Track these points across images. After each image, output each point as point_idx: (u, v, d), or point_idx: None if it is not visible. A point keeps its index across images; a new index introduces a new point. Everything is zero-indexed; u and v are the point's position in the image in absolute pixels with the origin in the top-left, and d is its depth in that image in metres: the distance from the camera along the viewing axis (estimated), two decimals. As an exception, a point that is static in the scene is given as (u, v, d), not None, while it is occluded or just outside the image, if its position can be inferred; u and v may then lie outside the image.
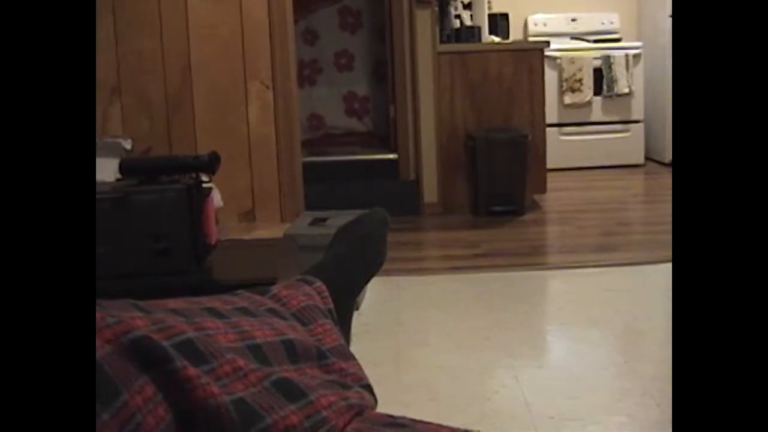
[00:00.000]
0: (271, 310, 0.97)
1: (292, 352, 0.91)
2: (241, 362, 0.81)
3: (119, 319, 0.74)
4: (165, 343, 0.75)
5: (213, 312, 0.88)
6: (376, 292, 2.99)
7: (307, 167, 3.86)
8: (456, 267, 3.42)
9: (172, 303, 0.86)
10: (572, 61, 5.66)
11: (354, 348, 1.19)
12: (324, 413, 0.84)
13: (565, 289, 3.06)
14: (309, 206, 3.61)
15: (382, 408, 1.04)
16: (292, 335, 0.93)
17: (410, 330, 2.62)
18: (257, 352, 0.86)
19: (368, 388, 0.99)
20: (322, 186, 4.22)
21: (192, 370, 0.75)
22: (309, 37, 5.35)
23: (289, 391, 0.83)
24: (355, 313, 2.57)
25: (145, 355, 0.73)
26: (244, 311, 0.93)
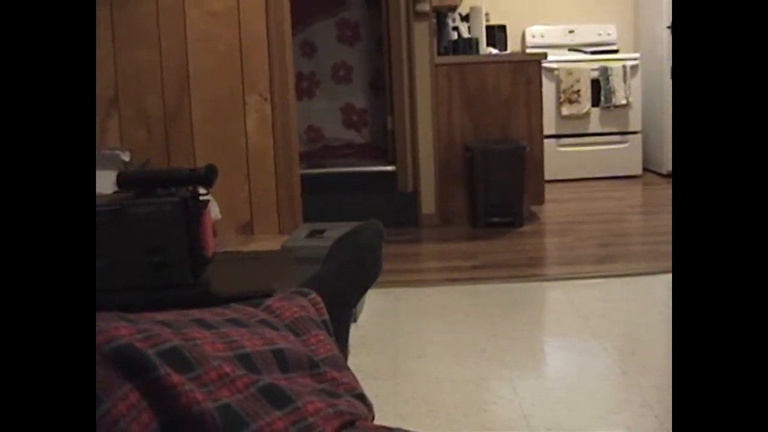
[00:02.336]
0: (263, 321, 0.97)
1: (282, 360, 0.90)
2: (227, 369, 0.81)
3: (101, 329, 0.74)
4: (149, 351, 0.75)
5: (202, 323, 0.88)
6: (374, 303, 2.98)
7: (305, 179, 3.86)
8: (454, 278, 3.42)
9: (161, 315, 0.87)
10: (570, 72, 5.68)
11: (352, 360, 1.19)
12: (311, 419, 0.84)
13: (563, 300, 3.06)
14: (307, 218, 3.61)
15: (380, 420, 1.03)
16: (282, 344, 0.92)
17: (408, 342, 2.62)
18: (246, 360, 0.86)
19: (361, 397, 0.99)
20: (321, 198, 4.22)
21: (176, 377, 0.75)
22: (307, 49, 5.36)
23: (276, 397, 0.83)
24: (353, 325, 2.56)
25: (128, 364, 0.73)
26: (234, 322, 0.93)
